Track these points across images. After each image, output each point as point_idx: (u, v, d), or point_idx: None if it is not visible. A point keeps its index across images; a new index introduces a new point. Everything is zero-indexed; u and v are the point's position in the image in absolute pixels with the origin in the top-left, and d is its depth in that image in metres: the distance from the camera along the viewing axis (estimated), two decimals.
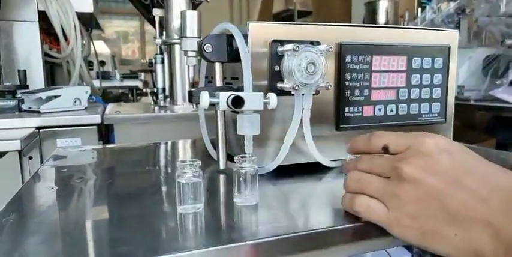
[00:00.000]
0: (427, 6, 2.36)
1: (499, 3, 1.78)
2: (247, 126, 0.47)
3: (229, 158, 0.61)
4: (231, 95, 0.47)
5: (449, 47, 0.66)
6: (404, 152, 0.39)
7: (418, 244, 0.37)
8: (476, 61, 1.82)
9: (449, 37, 0.67)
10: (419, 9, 2.59)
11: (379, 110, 0.63)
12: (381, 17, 3.13)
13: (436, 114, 0.67)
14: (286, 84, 0.54)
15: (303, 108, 0.55)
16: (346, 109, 0.61)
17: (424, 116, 0.66)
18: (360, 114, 0.62)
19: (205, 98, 0.48)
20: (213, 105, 0.53)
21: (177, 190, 0.43)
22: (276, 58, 0.55)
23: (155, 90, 1.71)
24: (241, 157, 0.44)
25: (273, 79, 0.55)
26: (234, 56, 0.57)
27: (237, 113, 0.51)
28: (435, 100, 0.66)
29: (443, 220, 0.35)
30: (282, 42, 0.55)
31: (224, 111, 0.59)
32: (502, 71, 1.72)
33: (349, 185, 0.42)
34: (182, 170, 0.42)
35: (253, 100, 0.48)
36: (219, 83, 0.59)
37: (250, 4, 5.63)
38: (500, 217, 0.33)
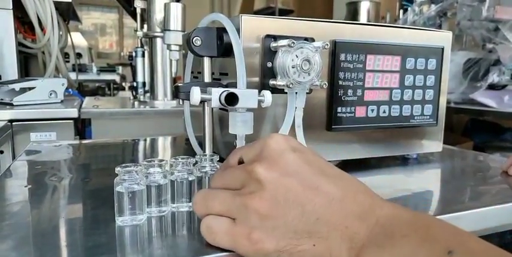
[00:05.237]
0: (409, 8, 2.36)
1: (481, 7, 1.80)
2: (240, 125, 0.44)
3: None
4: (224, 91, 0.44)
5: (443, 48, 0.65)
6: (255, 156, 0.35)
7: None
8: (457, 64, 1.83)
9: (443, 38, 0.66)
10: (401, 11, 2.59)
11: (372, 110, 0.61)
12: (362, 18, 3.14)
13: (428, 117, 0.66)
14: (279, 82, 0.51)
15: (296, 107, 0.53)
16: (339, 109, 0.59)
17: (416, 118, 0.65)
18: (353, 114, 0.60)
19: (196, 93, 0.45)
20: (201, 102, 0.50)
21: (115, 199, 0.39)
22: (269, 54, 0.53)
23: (134, 84, 1.66)
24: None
25: (265, 76, 0.53)
26: (224, 51, 0.54)
27: (227, 111, 0.48)
28: (427, 102, 0.65)
29: (302, 229, 0.31)
30: (276, 38, 0.53)
31: (212, 108, 0.56)
32: (482, 74, 1.74)
33: (195, 208, 0.36)
34: (121, 177, 0.38)
35: (247, 97, 0.45)
36: (207, 78, 0.56)
37: (231, 0, 5.58)
38: (355, 220, 0.31)
